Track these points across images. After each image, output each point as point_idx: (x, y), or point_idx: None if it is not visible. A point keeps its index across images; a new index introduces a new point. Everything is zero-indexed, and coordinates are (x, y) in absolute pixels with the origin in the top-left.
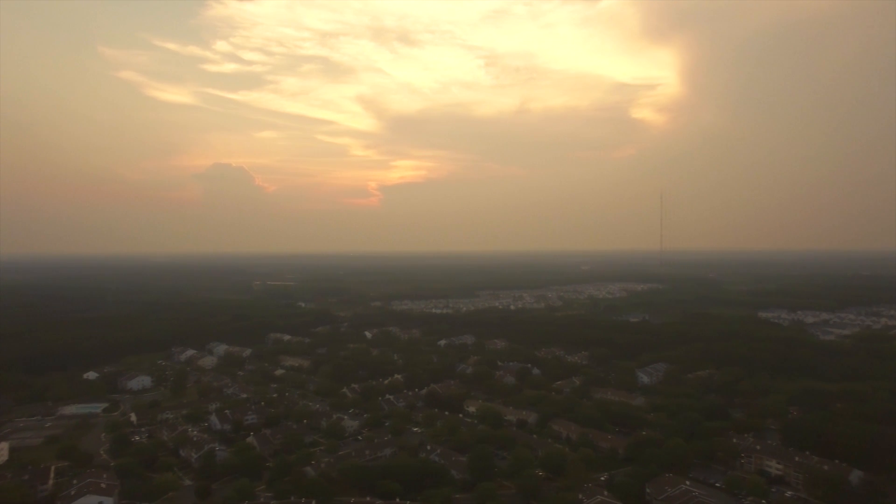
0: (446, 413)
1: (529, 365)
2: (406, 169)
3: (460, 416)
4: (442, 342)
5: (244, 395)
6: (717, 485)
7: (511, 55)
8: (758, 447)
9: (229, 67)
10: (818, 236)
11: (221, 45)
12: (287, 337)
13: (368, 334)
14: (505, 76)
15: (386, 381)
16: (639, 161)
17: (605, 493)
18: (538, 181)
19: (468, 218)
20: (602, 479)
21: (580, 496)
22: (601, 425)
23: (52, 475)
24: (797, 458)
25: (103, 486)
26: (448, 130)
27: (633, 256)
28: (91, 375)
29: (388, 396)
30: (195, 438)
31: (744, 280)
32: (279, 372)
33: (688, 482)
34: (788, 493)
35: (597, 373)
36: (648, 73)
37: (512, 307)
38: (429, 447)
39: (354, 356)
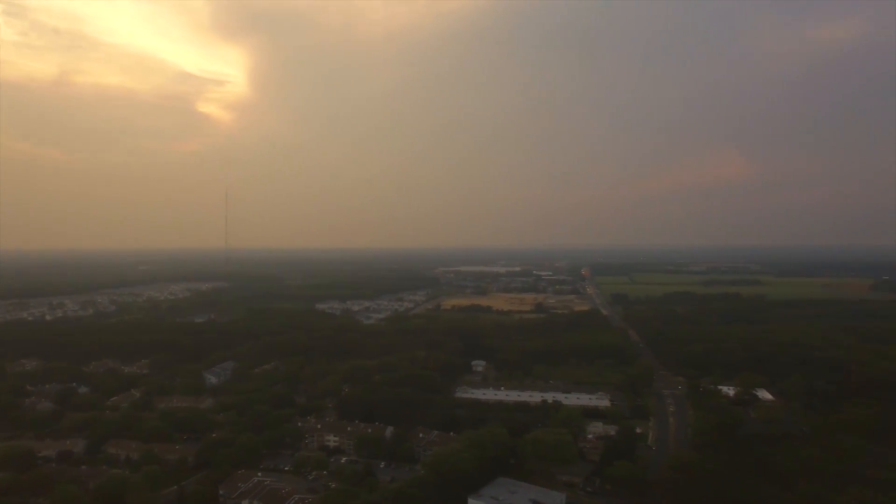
0: None
1: (74, 384)
2: None
3: None
4: None
5: None
6: (287, 468)
7: (47, 11)
8: (319, 426)
9: None
10: (371, 235)
11: None
12: None
13: None
14: (38, 35)
15: None
16: (204, 157)
17: None
18: (85, 169)
19: None
20: (171, 493)
21: None
22: (168, 436)
23: None
24: (349, 428)
25: None
26: None
27: (198, 255)
28: None
29: None
30: None
31: (304, 276)
32: None
33: (260, 473)
34: (344, 460)
35: (160, 380)
36: (217, 69)
37: (48, 317)
38: None
39: None
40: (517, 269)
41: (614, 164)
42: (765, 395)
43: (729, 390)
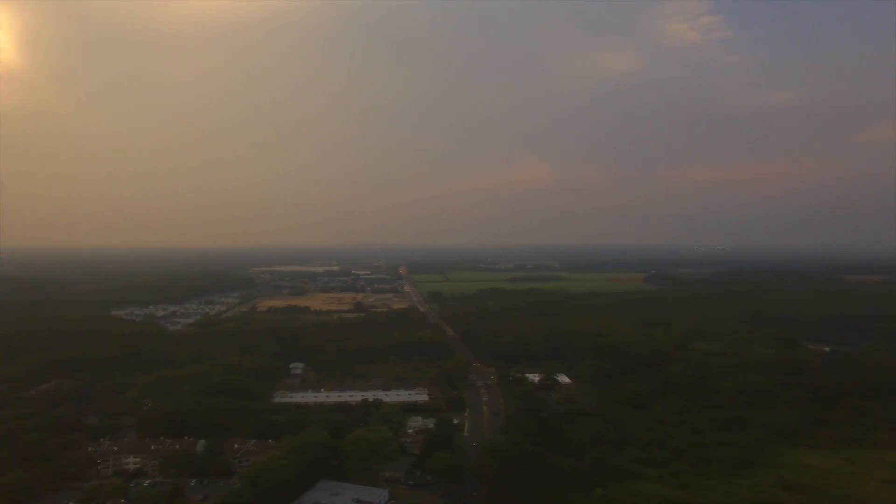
0: None
1: None
2: None
3: None
4: None
5: None
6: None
7: None
8: (115, 448)
9: None
10: (173, 233)
11: None
12: None
13: None
14: None
15: None
16: None
17: None
18: None
19: None
20: None
21: None
22: None
23: None
24: (153, 447)
25: None
26: None
27: None
28: None
29: None
30: None
31: (93, 279)
32: None
33: None
34: (147, 482)
35: None
36: None
37: None
38: None
39: None
40: (335, 268)
41: (428, 167)
42: (564, 379)
43: (534, 377)
